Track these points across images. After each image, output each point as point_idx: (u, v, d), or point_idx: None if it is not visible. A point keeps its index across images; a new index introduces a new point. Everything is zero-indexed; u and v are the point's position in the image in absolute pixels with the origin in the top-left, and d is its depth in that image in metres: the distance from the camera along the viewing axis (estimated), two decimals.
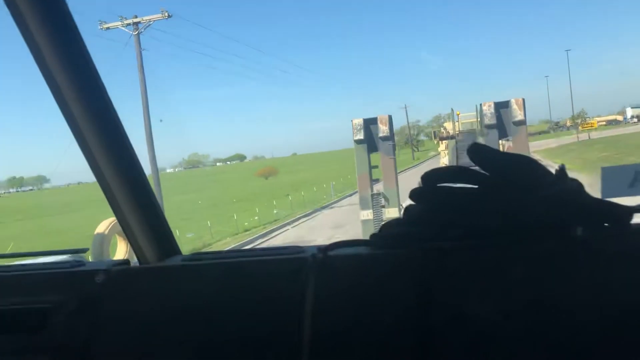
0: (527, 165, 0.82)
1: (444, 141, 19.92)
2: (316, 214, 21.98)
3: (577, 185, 0.80)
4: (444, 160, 19.66)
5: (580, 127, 46.01)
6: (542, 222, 0.80)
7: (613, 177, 0.97)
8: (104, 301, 1.03)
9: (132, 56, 18.77)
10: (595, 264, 0.79)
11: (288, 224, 19.61)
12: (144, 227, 1.11)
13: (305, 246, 1.04)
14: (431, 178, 0.84)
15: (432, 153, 51.98)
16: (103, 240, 5.46)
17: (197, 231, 18.38)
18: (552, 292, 0.78)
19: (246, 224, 20.00)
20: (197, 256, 1.11)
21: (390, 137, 7.71)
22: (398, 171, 8.44)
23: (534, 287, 0.79)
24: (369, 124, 7.63)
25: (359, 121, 7.57)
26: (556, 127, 78.81)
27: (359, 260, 0.92)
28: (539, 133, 70.11)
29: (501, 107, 7.30)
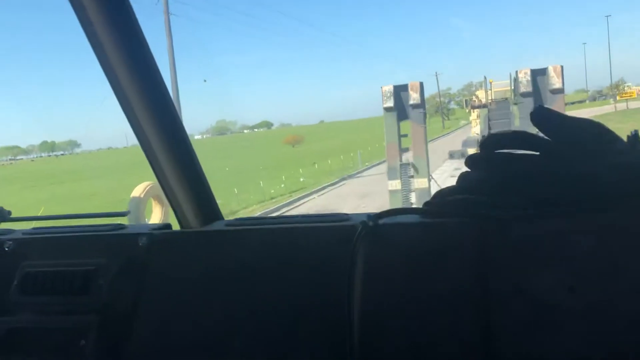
0: (595, 130, 0.76)
1: (475, 110, 19.64)
2: (342, 182, 21.95)
3: None
4: (475, 130, 19.40)
5: (618, 97, 44.56)
6: (611, 191, 0.74)
7: None
8: (147, 264, 1.02)
9: (160, 20, 18.78)
10: None
11: (314, 192, 19.64)
12: (187, 191, 1.09)
13: (353, 213, 1.00)
14: (489, 144, 0.80)
15: (463, 122, 51.23)
16: (139, 204, 5.53)
17: (223, 198, 18.56)
18: (620, 265, 0.74)
19: (272, 191, 20.11)
20: (240, 221, 1.08)
21: (421, 104, 7.49)
22: (427, 140, 8.28)
23: (601, 260, 0.75)
24: (400, 91, 7.41)
25: (388, 88, 7.35)
26: (599, 96, 76.12)
27: (412, 228, 0.89)
28: (580, 102, 68.29)
29: (538, 74, 7.02)
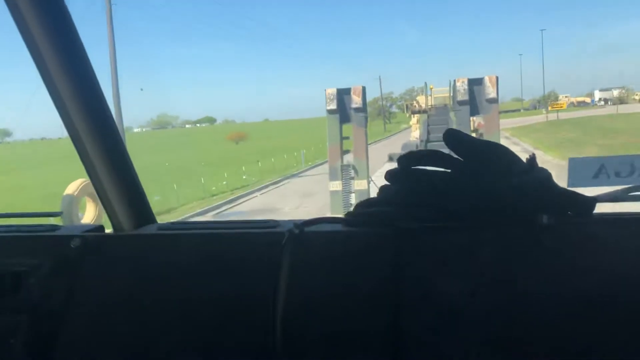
0: (500, 153, 0.84)
1: (415, 115, 19.87)
2: (285, 181, 21.96)
3: (546, 175, 0.83)
4: (415, 135, 19.61)
5: (549, 107, 46.74)
6: (510, 208, 0.83)
7: (579, 168, 1.02)
8: (80, 266, 1.04)
9: (101, 10, 18.16)
10: (557, 249, 0.84)
11: (257, 190, 19.56)
12: (120, 194, 1.11)
13: (282, 220, 1.06)
14: (407, 160, 0.86)
15: (404, 126, 52.01)
16: (72, 202, 5.39)
17: (162, 194, 18.13)
18: (516, 273, 0.83)
19: (214, 188, 19.85)
20: (173, 225, 1.12)
21: (363, 108, 7.77)
22: (368, 143, 8.51)
23: (500, 269, 0.84)
24: (343, 94, 7.66)
25: (332, 91, 7.62)
26: (539, 105, 79.38)
27: (334, 237, 0.95)
28: (515, 110, 71.05)
29: (474, 83, 7.34)
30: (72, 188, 5.50)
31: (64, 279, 1.03)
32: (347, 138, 8.05)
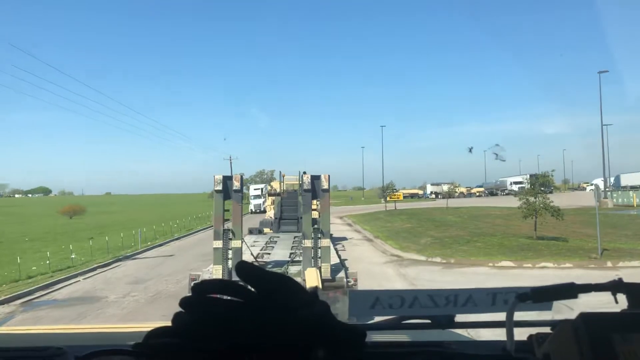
0: (288, 285, 0.86)
1: (271, 197, 23.92)
2: (117, 264, 20.16)
3: (325, 308, 0.85)
4: (270, 214, 23.60)
5: (388, 197, 50.52)
6: (293, 342, 0.81)
7: (358, 299, 1.14)
8: None
9: None
10: None
11: (82, 273, 17.58)
12: None
13: (66, 346, 1.05)
14: (202, 288, 0.84)
15: (252, 207, 52.50)
16: None
17: None
18: None
19: (34, 268, 17.67)
20: None
21: (240, 190, 11.19)
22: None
23: None
24: (227, 179, 11.09)
25: (219, 177, 10.97)
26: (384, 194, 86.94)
27: None
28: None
29: (315, 178, 10.98)
30: None
31: None
32: (227, 210, 11.12)
